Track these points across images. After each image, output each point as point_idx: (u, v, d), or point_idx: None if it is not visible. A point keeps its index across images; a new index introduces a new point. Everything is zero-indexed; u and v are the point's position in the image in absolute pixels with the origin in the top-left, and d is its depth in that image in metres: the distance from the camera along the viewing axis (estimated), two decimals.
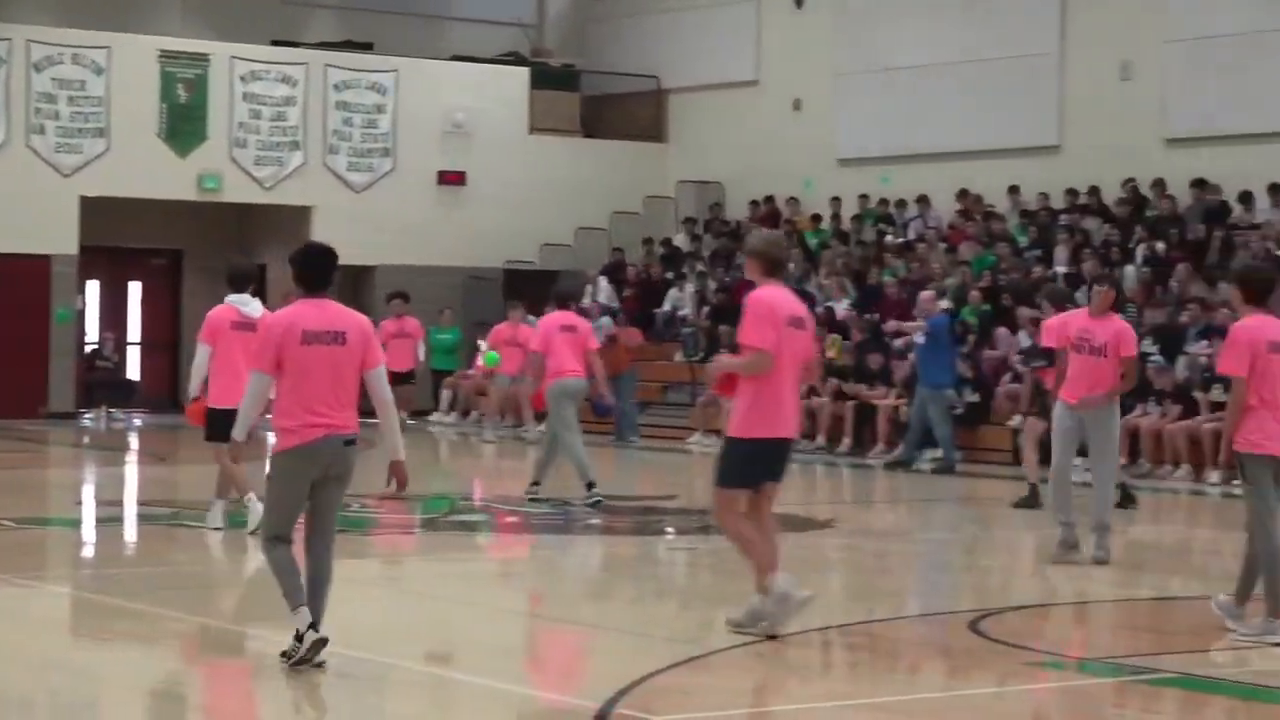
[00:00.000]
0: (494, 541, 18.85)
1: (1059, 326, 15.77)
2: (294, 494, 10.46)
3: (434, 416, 32.67)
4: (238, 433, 10.86)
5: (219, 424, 15.13)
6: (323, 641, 10.22)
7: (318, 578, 10.45)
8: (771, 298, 11.53)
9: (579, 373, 19.58)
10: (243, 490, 16.18)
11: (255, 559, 16.13)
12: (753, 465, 11.65)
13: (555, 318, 19.98)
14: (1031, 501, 19.75)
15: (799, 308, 11.87)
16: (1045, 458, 17.14)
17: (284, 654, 10.32)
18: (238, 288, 16.57)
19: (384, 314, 28.58)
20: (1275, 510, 11.64)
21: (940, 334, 25.65)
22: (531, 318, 28.04)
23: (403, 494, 11.65)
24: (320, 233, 34.60)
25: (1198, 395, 24.26)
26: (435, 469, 25.98)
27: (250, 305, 16.29)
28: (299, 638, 10.23)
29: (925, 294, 26.87)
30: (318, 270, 10.59)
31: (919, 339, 26.08)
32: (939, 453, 25.62)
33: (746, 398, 11.52)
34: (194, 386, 16.52)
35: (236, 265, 17.50)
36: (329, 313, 10.44)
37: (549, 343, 19.58)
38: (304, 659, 10.20)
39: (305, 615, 10.25)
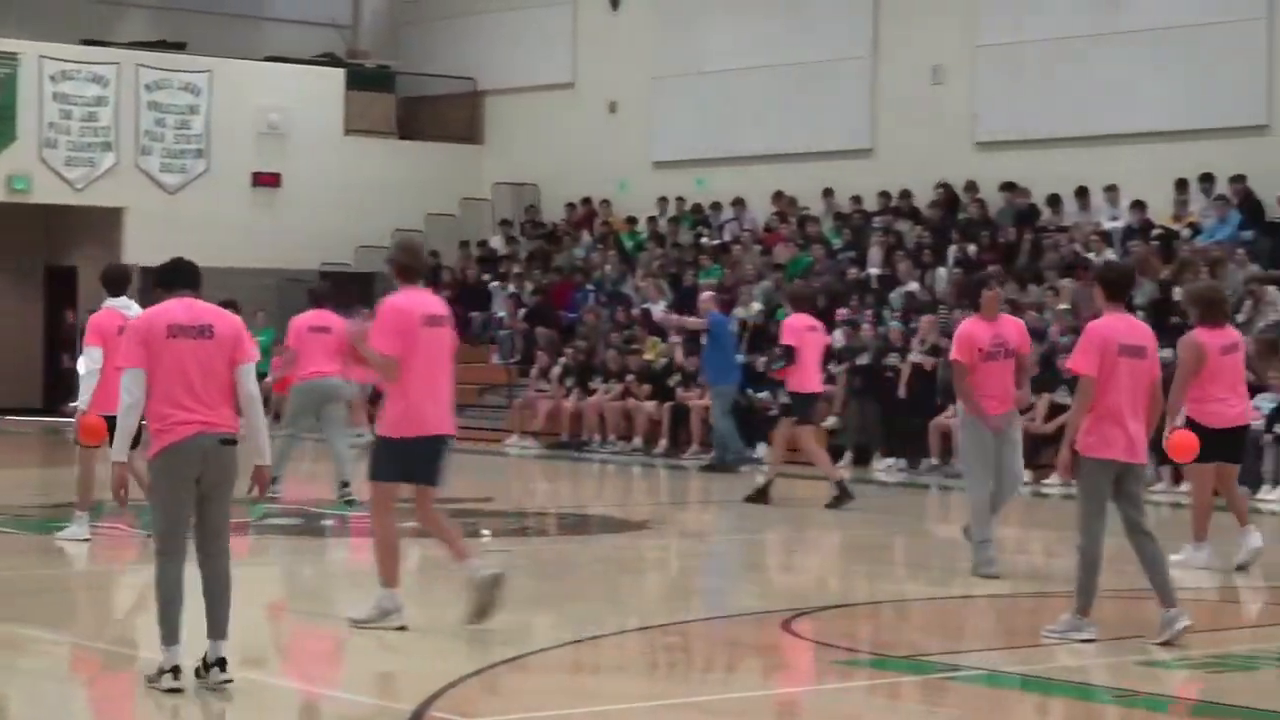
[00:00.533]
0: (308, 545, 18.72)
1: (965, 340, 14.71)
2: (175, 499, 9.98)
3: None
4: (118, 454, 10.20)
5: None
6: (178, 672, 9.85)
7: (214, 589, 10.07)
8: (403, 302, 11.94)
9: (327, 373, 19.42)
10: (83, 504, 16.05)
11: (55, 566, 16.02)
12: (398, 463, 11.91)
13: (307, 318, 19.91)
14: (843, 499, 19.98)
15: (436, 307, 12.41)
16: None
17: (148, 678, 10.00)
18: (115, 291, 16.11)
19: None
20: (1104, 515, 11.73)
21: (719, 332, 25.82)
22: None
23: (261, 498, 11.32)
24: (132, 234, 34.41)
25: None
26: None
27: (132, 309, 15.84)
28: (163, 671, 9.85)
29: (705, 294, 27.14)
30: (176, 275, 10.31)
31: (683, 331, 26.36)
32: (757, 451, 25.88)
33: (392, 398, 11.92)
34: (85, 398, 15.70)
35: (112, 269, 16.94)
36: (195, 309, 10.15)
37: (300, 342, 19.64)
38: (172, 690, 9.81)
39: (175, 655, 9.83)
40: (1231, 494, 15.77)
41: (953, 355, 14.90)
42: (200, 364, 10.02)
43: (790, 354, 20.03)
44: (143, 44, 36.15)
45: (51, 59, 34.34)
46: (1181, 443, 14.85)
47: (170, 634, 9.88)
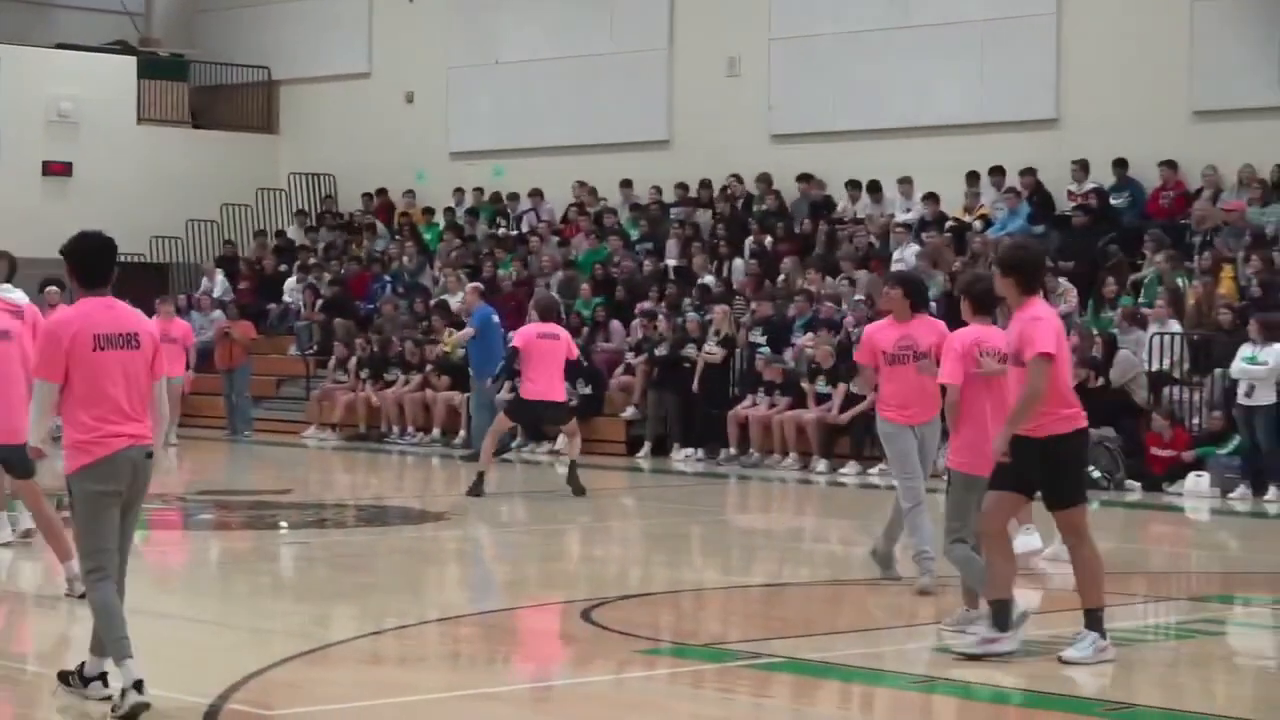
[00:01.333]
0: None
1: (868, 342, 13.70)
2: (105, 517, 9.19)
3: None
4: (35, 438, 9.62)
5: None
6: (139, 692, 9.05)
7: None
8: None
9: None
10: None
11: None
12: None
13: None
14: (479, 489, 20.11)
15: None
16: None
17: (113, 707, 9.11)
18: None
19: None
20: (970, 524, 11.52)
21: (485, 326, 25.53)
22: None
23: None
24: None
25: (805, 386, 24.74)
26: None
27: (15, 293, 15.33)
28: (124, 692, 9.03)
29: (471, 286, 26.68)
30: (98, 263, 9.42)
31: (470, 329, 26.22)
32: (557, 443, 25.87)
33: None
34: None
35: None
36: (117, 313, 9.34)
37: None
38: (129, 715, 8.97)
39: (131, 670, 9.01)
40: None
41: (855, 356, 14.42)
42: (126, 376, 9.27)
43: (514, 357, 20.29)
44: None
45: None
46: None
47: (121, 649, 9.12)
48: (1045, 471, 10.85)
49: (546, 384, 20.25)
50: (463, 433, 27.38)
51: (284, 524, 18.61)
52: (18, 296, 15.26)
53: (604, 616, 12.56)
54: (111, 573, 9.22)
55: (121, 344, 9.23)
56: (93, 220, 36.51)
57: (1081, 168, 26.98)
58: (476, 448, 24.95)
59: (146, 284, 33.83)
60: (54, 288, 19.82)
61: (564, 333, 20.64)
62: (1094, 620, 10.85)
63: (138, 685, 8.92)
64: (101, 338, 9.16)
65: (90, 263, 9.39)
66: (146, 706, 8.94)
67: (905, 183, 28.65)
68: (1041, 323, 10.81)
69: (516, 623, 13.05)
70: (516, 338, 20.73)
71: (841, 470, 23.65)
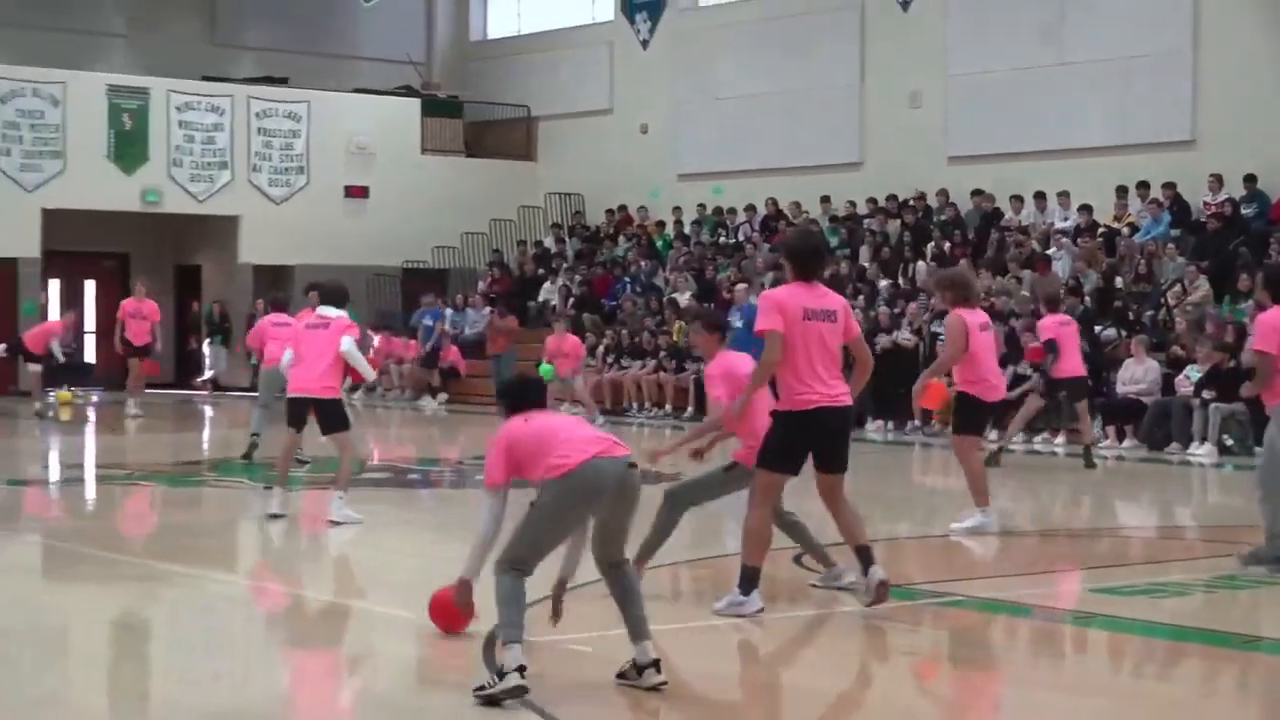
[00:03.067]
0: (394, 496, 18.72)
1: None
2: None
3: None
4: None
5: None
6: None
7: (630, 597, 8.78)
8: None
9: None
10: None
11: (189, 517, 16.06)
12: None
13: (272, 317, 18.84)
14: None
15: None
16: None
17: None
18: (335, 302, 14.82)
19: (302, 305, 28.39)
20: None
21: (751, 318, 25.79)
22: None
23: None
24: (246, 239, 34.54)
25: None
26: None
27: (337, 311, 15.56)
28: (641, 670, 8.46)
29: (740, 287, 27.26)
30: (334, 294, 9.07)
31: (736, 322, 26.39)
32: None
33: None
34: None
35: (334, 283, 15.94)
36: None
37: (261, 336, 18.90)
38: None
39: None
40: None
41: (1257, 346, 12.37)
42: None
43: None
44: (253, 79, 36.19)
45: (177, 92, 34.41)
46: (934, 394, 14.51)
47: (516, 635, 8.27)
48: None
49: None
50: (690, 407, 27.53)
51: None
52: (330, 311, 15.39)
53: (812, 561, 12.53)
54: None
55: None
56: (384, 234, 37.53)
57: (1216, 181, 26.47)
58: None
59: (431, 285, 34.45)
60: (315, 292, 19.91)
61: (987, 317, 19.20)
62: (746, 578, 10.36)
63: (656, 665, 8.39)
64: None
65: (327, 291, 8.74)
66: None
67: (1063, 195, 28.27)
68: (762, 301, 10.13)
69: (738, 565, 13.02)
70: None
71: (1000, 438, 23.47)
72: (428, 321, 32.64)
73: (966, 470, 14.08)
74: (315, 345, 14.23)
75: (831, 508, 10.68)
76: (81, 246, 34.92)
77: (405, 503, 17.63)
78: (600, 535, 8.56)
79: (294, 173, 35.54)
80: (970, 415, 14.03)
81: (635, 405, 29.12)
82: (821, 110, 32.49)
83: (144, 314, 28.15)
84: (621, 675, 8.43)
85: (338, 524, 14.02)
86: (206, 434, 26.51)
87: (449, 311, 33.28)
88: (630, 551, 8.99)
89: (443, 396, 31.75)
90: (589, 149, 36.98)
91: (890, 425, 25.42)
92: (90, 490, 18.55)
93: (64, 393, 29.71)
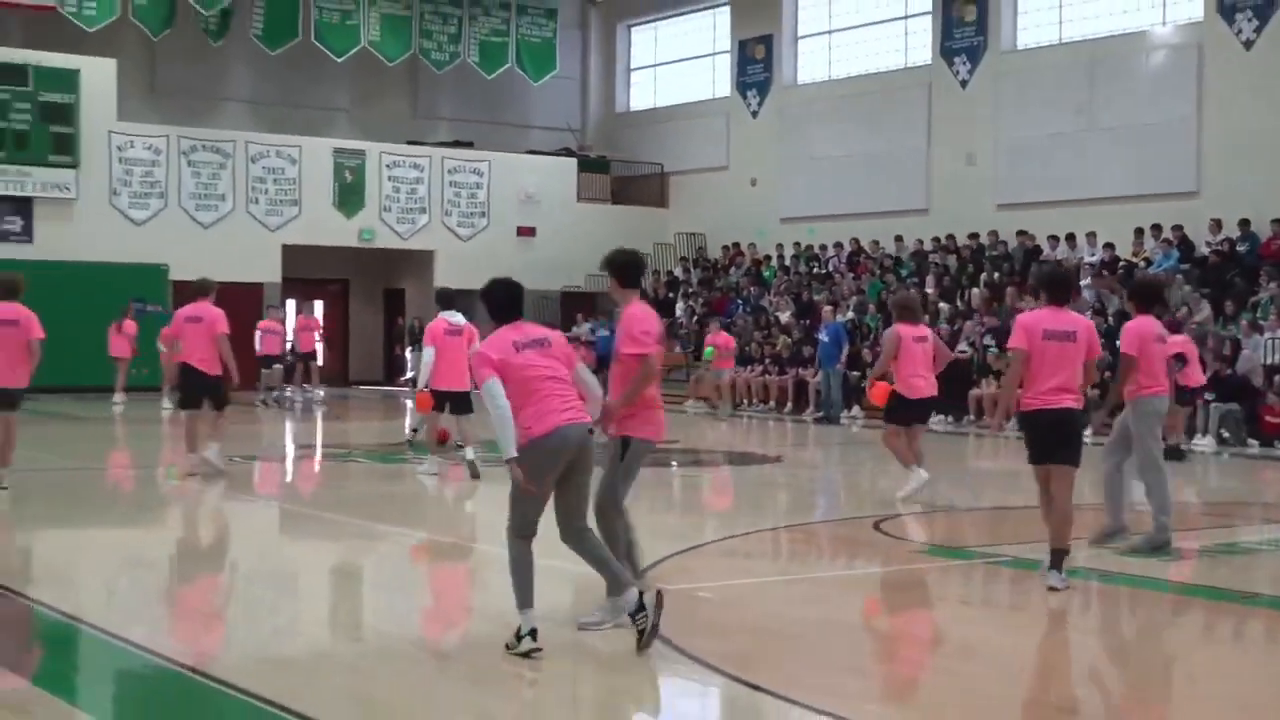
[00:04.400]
0: None
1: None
2: (545, 483, 7.57)
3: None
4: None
5: (441, 399, 15.54)
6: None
7: (598, 555, 7.90)
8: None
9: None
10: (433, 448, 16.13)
11: (407, 485, 16.17)
12: None
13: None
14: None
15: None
16: None
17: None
18: (446, 306, 15.74)
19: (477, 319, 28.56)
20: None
21: (835, 334, 26.17)
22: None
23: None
24: (440, 269, 34.78)
25: None
26: None
27: (457, 317, 15.70)
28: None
29: (825, 309, 27.35)
30: (504, 304, 7.84)
31: (824, 337, 26.51)
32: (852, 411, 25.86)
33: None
34: (423, 379, 15.60)
35: (443, 291, 16.47)
36: (527, 329, 7.70)
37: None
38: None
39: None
40: (915, 443, 14.43)
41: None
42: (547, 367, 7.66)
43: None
44: (445, 143, 36.48)
45: (387, 154, 34.75)
46: (879, 392, 14.33)
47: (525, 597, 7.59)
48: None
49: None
50: (789, 404, 27.40)
51: (674, 463, 18.73)
52: (459, 319, 15.72)
53: (888, 527, 12.43)
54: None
55: (536, 345, 7.62)
56: (547, 264, 37.56)
57: (1216, 224, 25.98)
58: (825, 413, 25.20)
59: (582, 305, 34.52)
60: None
61: (929, 331, 18.07)
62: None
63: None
64: (519, 343, 7.62)
65: (495, 301, 7.84)
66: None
67: (1090, 235, 27.84)
68: (632, 318, 8.62)
69: (827, 531, 12.95)
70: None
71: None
72: (604, 333, 32.52)
73: (890, 449, 14.33)
74: (457, 347, 15.32)
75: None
76: (312, 274, 35.41)
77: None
78: (562, 502, 7.66)
79: (477, 216, 35.77)
80: (896, 409, 14.22)
81: (745, 401, 29.01)
82: (895, 167, 32.24)
83: (309, 327, 29.23)
84: (642, 633, 7.54)
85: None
86: (407, 421, 26.69)
87: (588, 325, 33.23)
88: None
89: None
90: (709, 198, 36.93)
91: (949, 419, 25.15)
92: (317, 465, 18.75)
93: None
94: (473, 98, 37.67)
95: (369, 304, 37.95)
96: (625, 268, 9.02)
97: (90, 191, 31.11)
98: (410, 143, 35.86)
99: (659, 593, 7.58)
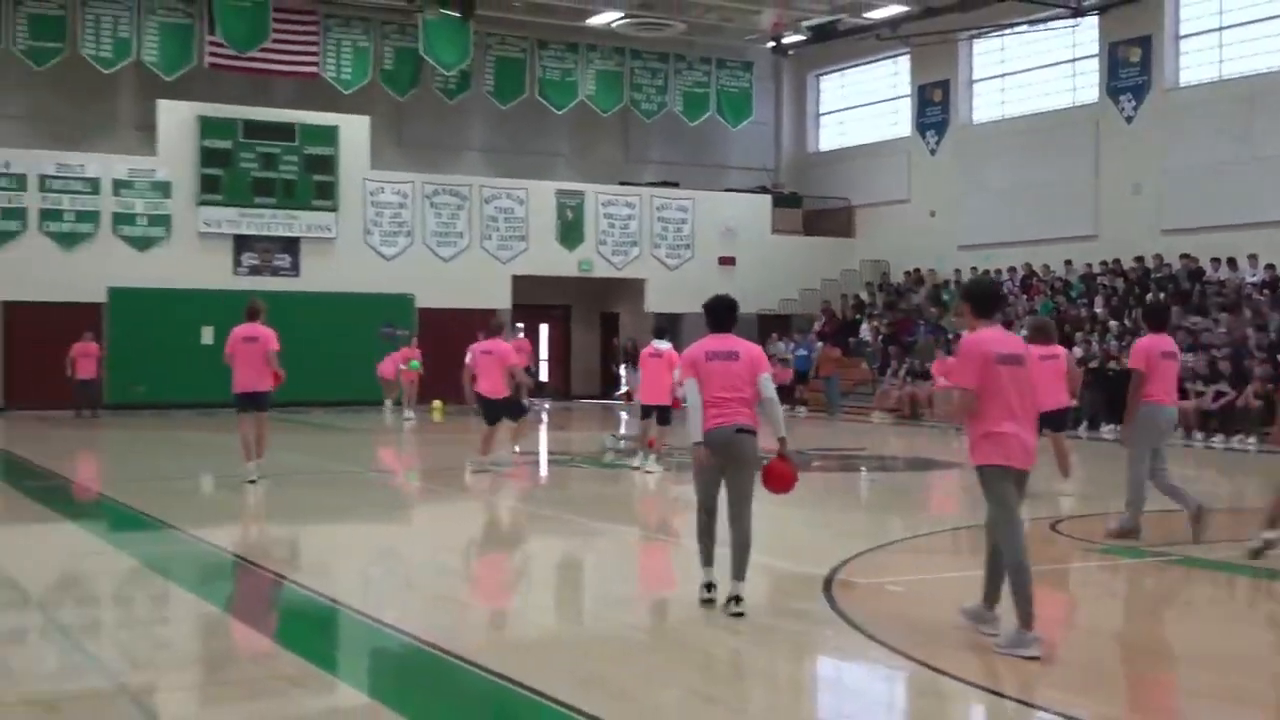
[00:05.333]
0: None
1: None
2: (709, 476, 8.26)
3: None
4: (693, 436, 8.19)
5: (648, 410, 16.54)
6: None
7: (739, 542, 8.21)
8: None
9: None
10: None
11: (658, 488, 16.23)
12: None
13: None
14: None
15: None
16: None
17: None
18: (658, 336, 16.92)
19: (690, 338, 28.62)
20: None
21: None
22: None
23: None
24: (651, 297, 34.96)
25: (1186, 386, 23.35)
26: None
27: (663, 343, 16.63)
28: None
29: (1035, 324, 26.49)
30: (718, 314, 8.62)
31: None
32: None
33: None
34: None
35: (656, 323, 17.67)
36: (729, 342, 8.42)
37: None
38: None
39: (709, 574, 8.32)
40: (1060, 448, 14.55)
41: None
42: (724, 376, 8.21)
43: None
44: (654, 184, 36.71)
45: (602, 194, 35.11)
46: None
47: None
48: None
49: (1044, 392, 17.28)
50: None
51: (863, 468, 18.52)
52: (666, 345, 16.26)
53: (1064, 528, 12.09)
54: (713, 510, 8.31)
55: (725, 357, 8.25)
56: (745, 289, 37.52)
57: None
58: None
59: (778, 327, 34.33)
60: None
61: (1062, 350, 15.81)
62: None
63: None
64: (710, 353, 8.27)
65: (712, 314, 8.59)
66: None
67: (1252, 257, 26.81)
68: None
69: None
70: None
71: (1218, 440, 22.19)
72: (802, 352, 32.40)
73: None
74: (658, 369, 16.28)
75: None
76: (538, 301, 35.91)
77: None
78: (727, 489, 8.22)
79: (682, 248, 35.88)
80: None
81: (926, 413, 28.54)
82: (1064, 197, 31.43)
83: (522, 349, 27.95)
84: (724, 602, 8.11)
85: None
86: (623, 431, 26.85)
87: (783, 345, 33.06)
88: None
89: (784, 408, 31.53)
90: (892, 228, 36.46)
91: (1117, 427, 24.37)
92: (544, 470, 18.97)
93: (437, 402, 28.68)
94: (678, 142, 37.84)
95: (588, 327, 38.35)
96: (980, 298, 7.74)
97: (347, 231, 32.07)
98: (622, 183, 36.16)
99: None
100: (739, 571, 8.12)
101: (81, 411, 27.55)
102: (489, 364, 16.36)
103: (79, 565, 10.17)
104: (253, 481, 14.68)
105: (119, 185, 30.05)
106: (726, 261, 36.11)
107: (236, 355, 15.03)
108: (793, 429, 22.58)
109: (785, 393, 32.20)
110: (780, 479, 8.27)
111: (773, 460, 8.26)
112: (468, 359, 16.54)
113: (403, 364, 28.19)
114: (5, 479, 16.98)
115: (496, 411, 16.54)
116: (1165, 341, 11.13)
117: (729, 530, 8.22)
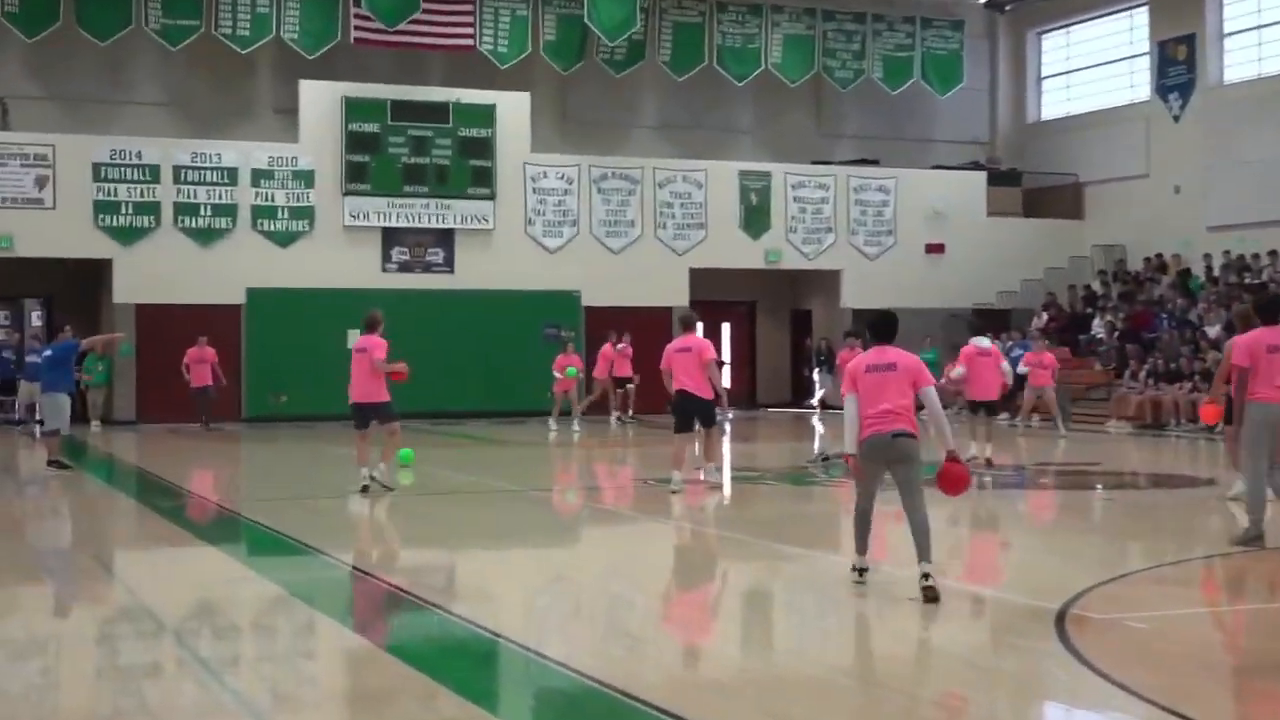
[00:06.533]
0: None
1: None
2: (871, 474, 9.88)
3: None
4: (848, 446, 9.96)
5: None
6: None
7: (918, 528, 9.70)
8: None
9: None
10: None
11: (807, 508, 16.17)
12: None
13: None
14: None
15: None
16: None
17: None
18: (976, 333, 17.85)
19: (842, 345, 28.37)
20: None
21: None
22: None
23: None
24: (847, 288, 34.81)
25: None
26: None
27: (986, 340, 18.47)
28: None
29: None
30: (878, 330, 10.08)
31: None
32: None
33: None
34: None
35: (973, 321, 18.27)
36: (887, 355, 9.88)
37: (968, 361, 19.73)
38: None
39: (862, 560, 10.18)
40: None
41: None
42: (879, 387, 9.74)
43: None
44: (850, 161, 36.51)
45: (792, 174, 35.05)
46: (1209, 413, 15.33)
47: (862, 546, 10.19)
48: None
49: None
50: (1224, 426, 26.01)
51: (1099, 485, 18.12)
52: (984, 342, 16.82)
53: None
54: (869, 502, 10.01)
55: (883, 369, 9.84)
56: (957, 281, 37.15)
57: None
58: None
59: (996, 323, 33.83)
60: (853, 339, 20.02)
61: None
62: None
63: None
64: (870, 366, 9.87)
65: (874, 327, 10.12)
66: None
67: None
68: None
69: (1253, 563, 12.21)
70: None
71: None
72: (1016, 353, 31.82)
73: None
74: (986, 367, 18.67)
75: None
76: (719, 296, 35.98)
77: (1011, 500, 17.35)
78: (900, 490, 9.73)
79: (884, 234, 35.62)
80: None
81: (1173, 421, 27.81)
82: None
83: (625, 354, 30.17)
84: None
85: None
86: (816, 444, 26.75)
87: (997, 343, 32.48)
88: None
89: (1004, 415, 31.01)
90: (1128, 207, 35.71)
91: None
92: (727, 488, 18.97)
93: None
94: (877, 114, 37.57)
95: (776, 325, 38.28)
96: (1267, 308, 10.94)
97: (506, 221, 32.56)
98: (815, 162, 36.04)
99: None
100: (924, 554, 9.52)
101: (209, 425, 28.35)
102: (685, 361, 16.44)
103: (218, 592, 10.52)
104: (365, 487, 15.50)
105: (258, 175, 31.01)
106: (934, 249, 35.72)
107: (352, 367, 16.56)
108: (999, 441, 22.17)
109: (1006, 400, 31.76)
110: (955, 481, 9.84)
111: (944, 464, 9.77)
112: (664, 362, 16.77)
113: (559, 372, 28.48)
114: (139, 498, 17.64)
115: (691, 413, 16.56)
116: (1275, 335, 11.47)
117: (907, 520, 9.60)
